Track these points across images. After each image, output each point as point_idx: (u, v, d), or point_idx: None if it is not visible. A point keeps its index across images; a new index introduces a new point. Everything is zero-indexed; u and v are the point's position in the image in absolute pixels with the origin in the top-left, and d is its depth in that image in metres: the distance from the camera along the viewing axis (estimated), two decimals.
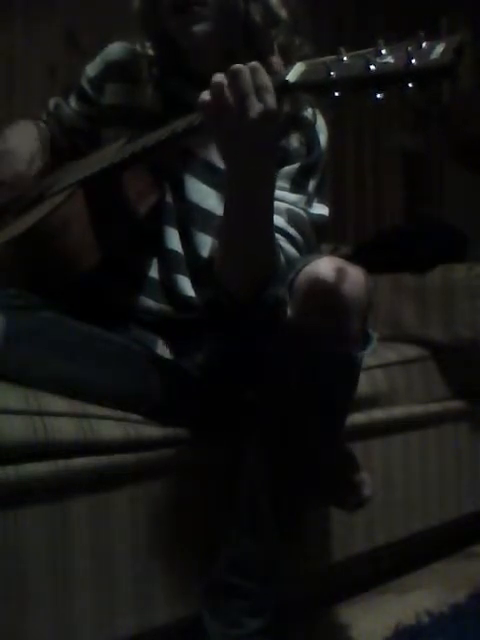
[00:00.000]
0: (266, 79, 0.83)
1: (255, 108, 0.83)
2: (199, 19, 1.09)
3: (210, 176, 1.16)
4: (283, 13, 1.11)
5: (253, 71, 0.83)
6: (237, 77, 0.83)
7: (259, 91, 0.83)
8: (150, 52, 1.16)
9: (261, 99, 0.83)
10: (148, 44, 1.17)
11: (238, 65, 0.84)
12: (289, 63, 0.86)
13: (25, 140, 1.25)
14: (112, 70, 1.24)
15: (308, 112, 1.15)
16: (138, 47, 1.17)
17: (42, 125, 1.33)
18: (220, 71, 0.85)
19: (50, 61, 2.05)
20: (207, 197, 1.16)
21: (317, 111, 1.17)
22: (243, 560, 1.04)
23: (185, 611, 1.11)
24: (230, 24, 1.10)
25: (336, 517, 1.36)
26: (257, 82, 0.83)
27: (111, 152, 1.12)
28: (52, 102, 1.36)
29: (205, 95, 0.85)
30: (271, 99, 0.83)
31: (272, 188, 0.96)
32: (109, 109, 1.24)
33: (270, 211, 0.97)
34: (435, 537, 1.65)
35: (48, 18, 2.04)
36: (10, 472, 0.94)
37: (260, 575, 1.04)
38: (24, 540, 0.95)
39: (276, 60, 0.86)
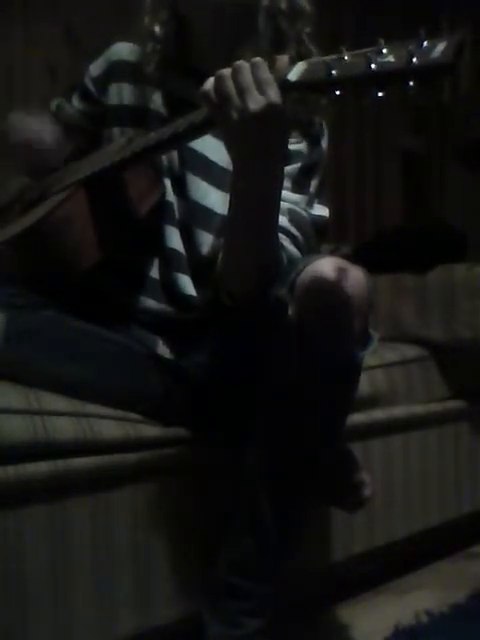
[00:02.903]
0: (268, 74, 0.84)
1: (257, 101, 0.83)
2: None
3: (210, 173, 1.16)
4: (306, 5, 1.11)
5: (255, 66, 0.84)
6: (239, 71, 0.84)
7: (261, 85, 0.83)
8: (156, 29, 1.15)
9: (263, 93, 0.83)
10: (157, 33, 1.15)
11: (240, 61, 0.84)
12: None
13: (45, 126, 1.26)
14: (116, 70, 1.24)
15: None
16: (145, 22, 1.16)
17: None
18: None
19: (50, 61, 2.05)
20: (208, 194, 1.16)
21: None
22: (243, 560, 1.04)
23: (185, 611, 1.11)
24: (251, 7, 1.09)
25: (336, 517, 1.36)
26: (259, 77, 0.83)
27: (113, 151, 1.12)
28: (54, 103, 1.35)
29: (208, 85, 0.86)
30: (273, 93, 0.83)
31: (279, 188, 0.96)
32: (113, 109, 1.24)
33: (275, 211, 0.97)
34: (435, 537, 1.65)
35: (48, 18, 2.04)
36: (10, 472, 0.94)
37: (260, 575, 1.04)
38: (24, 540, 0.95)
39: (281, 58, 0.86)
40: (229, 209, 0.97)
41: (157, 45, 1.16)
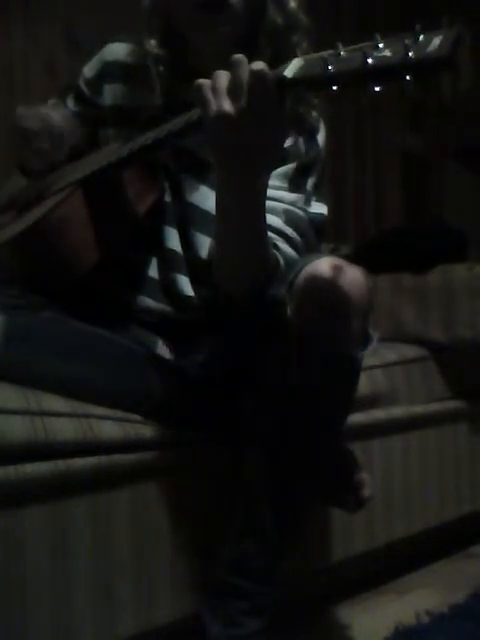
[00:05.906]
0: (242, 80, 0.81)
1: (226, 105, 0.81)
2: (225, 21, 1.07)
3: (209, 176, 1.16)
4: (303, 18, 1.11)
5: (235, 70, 0.82)
6: (216, 79, 0.82)
7: (234, 91, 0.81)
8: (155, 51, 1.15)
9: (235, 99, 0.81)
10: (153, 42, 1.15)
11: (238, 55, 0.82)
12: None
13: (53, 109, 1.27)
14: (110, 70, 1.23)
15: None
16: (145, 43, 1.15)
17: None
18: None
19: (50, 61, 2.05)
20: (206, 198, 1.15)
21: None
22: (243, 560, 1.04)
23: (185, 611, 1.11)
24: (251, 27, 1.10)
25: (336, 517, 1.36)
26: (234, 82, 0.81)
27: (110, 152, 1.12)
28: (50, 103, 1.35)
29: (203, 80, 0.84)
30: (243, 99, 0.81)
31: (259, 188, 0.92)
32: (107, 109, 1.24)
33: (259, 211, 0.94)
34: (435, 537, 1.65)
35: (48, 18, 2.04)
36: (10, 472, 0.94)
37: (260, 575, 1.04)
38: (24, 540, 0.95)
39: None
40: (216, 209, 0.96)
41: (162, 68, 1.15)
